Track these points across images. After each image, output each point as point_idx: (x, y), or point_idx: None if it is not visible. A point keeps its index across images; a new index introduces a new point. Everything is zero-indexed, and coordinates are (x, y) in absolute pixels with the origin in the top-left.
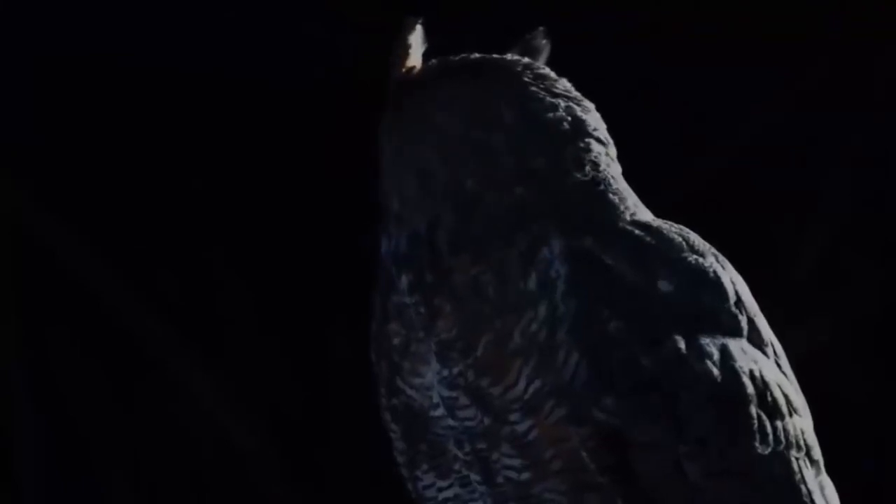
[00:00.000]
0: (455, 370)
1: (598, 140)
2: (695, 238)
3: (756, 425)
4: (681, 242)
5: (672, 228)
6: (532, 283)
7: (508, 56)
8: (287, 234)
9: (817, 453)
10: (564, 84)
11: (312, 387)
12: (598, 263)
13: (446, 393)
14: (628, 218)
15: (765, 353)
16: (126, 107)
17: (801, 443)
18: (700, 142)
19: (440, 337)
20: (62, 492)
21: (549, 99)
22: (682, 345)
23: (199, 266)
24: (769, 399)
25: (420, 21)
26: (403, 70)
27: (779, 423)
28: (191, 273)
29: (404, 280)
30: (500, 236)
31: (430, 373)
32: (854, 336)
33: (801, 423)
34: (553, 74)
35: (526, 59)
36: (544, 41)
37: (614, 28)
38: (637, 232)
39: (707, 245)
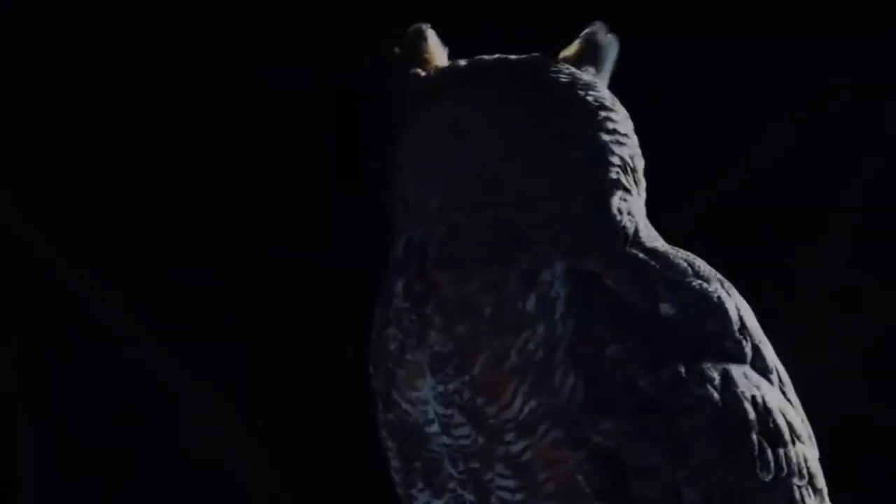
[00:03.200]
0: (450, 387)
1: (611, 160)
2: (700, 264)
3: (757, 452)
4: (686, 267)
5: (678, 254)
6: (531, 303)
7: (526, 57)
8: (290, 247)
9: (821, 482)
10: (588, 91)
11: (312, 402)
12: (599, 285)
13: (441, 410)
14: (634, 241)
15: (769, 379)
16: (125, 120)
17: (804, 471)
18: (711, 163)
19: (433, 349)
20: None
21: (562, 110)
22: (682, 368)
23: (200, 280)
24: (771, 426)
25: (429, 25)
26: (420, 73)
27: (781, 451)
28: (190, 287)
29: (399, 284)
30: (497, 255)
31: (426, 387)
32: (868, 359)
33: (805, 451)
34: (574, 78)
35: (544, 61)
36: (608, 35)
37: (625, 37)
38: (641, 255)
39: (713, 271)
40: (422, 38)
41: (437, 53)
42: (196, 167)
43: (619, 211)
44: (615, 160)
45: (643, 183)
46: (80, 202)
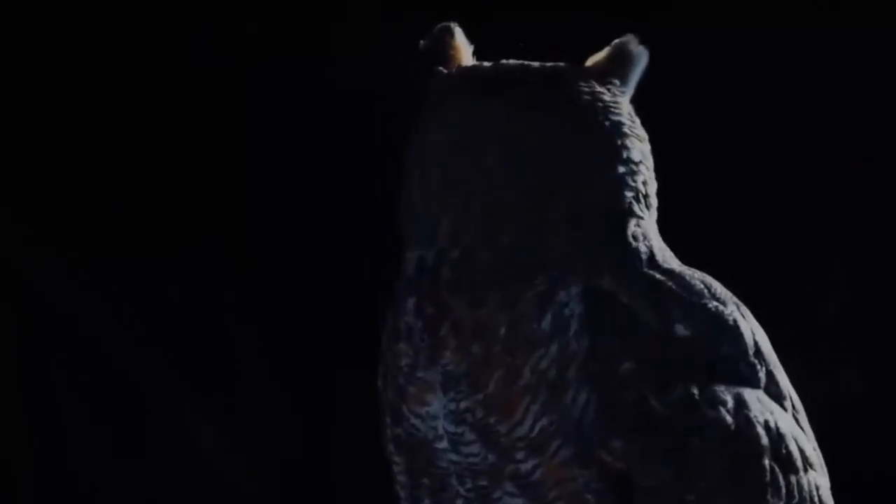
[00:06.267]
0: (462, 405)
1: (625, 192)
2: (717, 286)
3: (768, 477)
4: (702, 289)
5: (695, 275)
6: (546, 322)
7: (548, 70)
8: (292, 258)
9: None
10: (608, 115)
11: (315, 427)
12: (614, 303)
13: (452, 428)
14: (650, 262)
15: (782, 406)
16: (122, 128)
17: (816, 499)
18: (721, 182)
19: (446, 368)
20: None
21: (579, 138)
22: (695, 390)
23: (204, 303)
24: (784, 451)
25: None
26: (442, 70)
27: (792, 478)
28: (192, 311)
29: (410, 302)
30: (512, 278)
31: (437, 403)
32: (882, 383)
33: (817, 479)
34: (595, 99)
35: (565, 75)
36: (639, 48)
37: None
38: (657, 276)
39: (729, 294)
40: (448, 34)
41: (463, 51)
42: (196, 171)
43: (634, 237)
44: (629, 192)
45: (655, 205)
46: (77, 217)
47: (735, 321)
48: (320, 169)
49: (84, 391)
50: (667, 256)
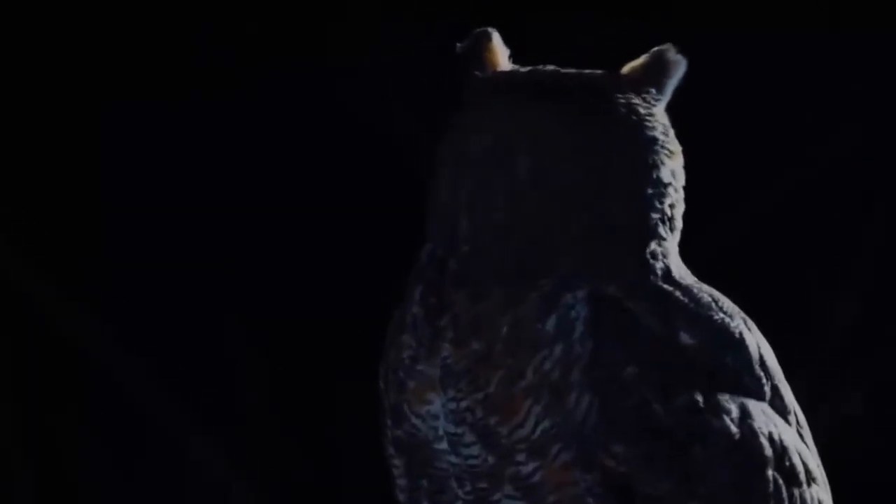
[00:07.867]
0: (462, 405)
1: (651, 215)
2: (725, 301)
3: (771, 487)
4: (709, 302)
5: (703, 288)
6: (550, 323)
7: (585, 79)
8: (293, 273)
9: None
10: (643, 131)
11: (315, 430)
12: (620, 308)
13: (452, 429)
14: (664, 279)
15: (787, 420)
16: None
17: None
18: (728, 201)
19: (445, 362)
20: None
21: (610, 154)
22: (698, 397)
23: (203, 306)
24: (787, 464)
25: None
26: (479, 75)
27: (795, 491)
28: (191, 315)
29: (418, 291)
30: (517, 278)
31: (438, 402)
32: (889, 404)
33: (819, 494)
34: (630, 112)
35: (601, 85)
36: (678, 56)
37: None
38: (665, 287)
39: (736, 308)
40: (486, 38)
41: (500, 56)
42: (196, 171)
43: (653, 255)
44: (655, 214)
45: (679, 227)
46: (75, 220)
47: (741, 334)
48: (320, 169)
49: (82, 394)
50: (683, 275)
